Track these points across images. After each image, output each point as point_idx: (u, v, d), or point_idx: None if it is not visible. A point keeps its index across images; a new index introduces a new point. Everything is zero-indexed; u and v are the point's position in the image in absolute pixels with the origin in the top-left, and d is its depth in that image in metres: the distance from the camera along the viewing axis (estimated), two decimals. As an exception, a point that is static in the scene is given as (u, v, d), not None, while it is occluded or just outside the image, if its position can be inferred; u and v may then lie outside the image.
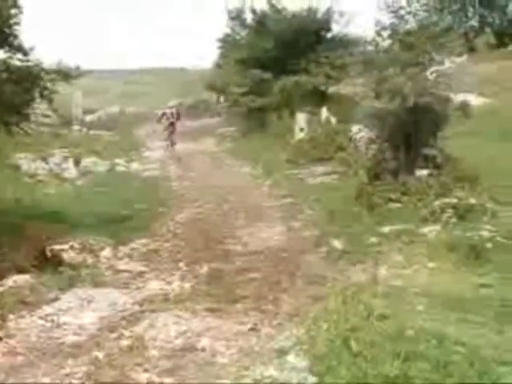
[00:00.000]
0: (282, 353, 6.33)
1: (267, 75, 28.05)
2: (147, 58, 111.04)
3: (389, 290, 8.30)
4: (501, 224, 11.03)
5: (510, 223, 11.10)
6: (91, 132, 30.73)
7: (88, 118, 34.23)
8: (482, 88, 22.87)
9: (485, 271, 9.24)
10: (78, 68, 13.43)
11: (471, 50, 32.81)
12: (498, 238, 10.26)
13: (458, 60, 24.06)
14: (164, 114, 27.40)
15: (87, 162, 21.27)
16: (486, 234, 10.49)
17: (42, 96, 12.67)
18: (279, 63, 27.88)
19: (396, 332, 6.35)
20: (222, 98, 34.74)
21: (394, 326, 6.50)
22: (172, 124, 27.11)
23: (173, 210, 15.13)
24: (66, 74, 12.88)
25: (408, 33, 14.39)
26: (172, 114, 27.25)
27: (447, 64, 14.66)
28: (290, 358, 6.09)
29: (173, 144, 27.09)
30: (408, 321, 6.76)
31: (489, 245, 10.01)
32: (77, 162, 20.95)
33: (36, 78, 12.35)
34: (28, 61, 12.41)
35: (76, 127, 30.99)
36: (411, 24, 15.30)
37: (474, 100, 21.21)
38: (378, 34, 15.17)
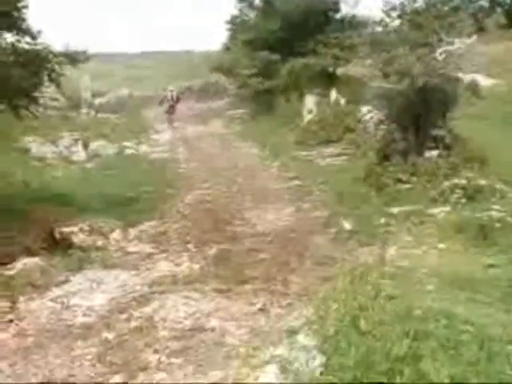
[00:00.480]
0: (292, 333, 6.34)
1: (275, 57, 27.89)
2: (152, 42, 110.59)
3: (397, 270, 8.31)
4: (510, 204, 11.00)
5: (519, 204, 11.07)
6: (99, 115, 30.71)
7: (97, 101, 34.20)
8: (491, 69, 22.72)
9: (493, 251, 9.25)
10: (85, 52, 13.39)
11: (481, 30, 32.56)
12: (508, 219, 10.23)
13: (468, 40, 23.87)
14: (165, 97, 29.92)
15: (96, 145, 21.26)
16: (495, 214, 10.46)
17: (50, 79, 12.66)
18: (287, 45, 27.71)
19: (405, 312, 6.35)
20: (230, 81, 34.59)
21: (403, 306, 6.49)
22: (172, 106, 29.77)
23: (181, 191, 15.14)
24: (73, 58, 12.85)
25: (416, 12, 14.24)
26: (172, 96, 29.70)
27: (457, 44, 14.51)
28: (299, 337, 6.10)
29: (171, 123, 29.29)
30: (417, 301, 6.76)
31: (498, 225, 9.99)
32: (85, 145, 20.95)
33: (44, 60, 12.34)
34: (36, 44, 12.39)
35: (84, 110, 30.96)
36: (420, 3, 15.18)
37: (483, 81, 21.09)
38: (387, 14, 15.04)
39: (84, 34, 69.15)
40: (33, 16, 12.35)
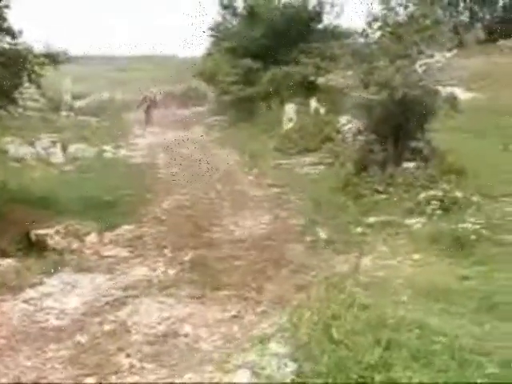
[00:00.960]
0: (264, 340, 6.35)
1: (257, 65, 27.98)
2: (138, 46, 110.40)
3: (372, 280, 8.37)
4: (485, 217, 11.10)
5: (494, 216, 11.17)
6: (80, 118, 30.58)
7: (77, 103, 34.07)
8: (471, 82, 22.92)
9: (468, 263, 9.32)
10: (65, 53, 13.34)
11: (461, 44, 32.80)
12: (482, 231, 10.32)
13: (448, 54, 24.03)
14: (144, 99, 32.15)
15: (75, 147, 21.18)
16: (470, 226, 10.54)
17: (30, 80, 12.59)
18: (269, 53, 27.79)
19: (378, 321, 6.39)
20: (211, 87, 34.60)
21: (376, 315, 6.54)
22: (149, 107, 32.03)
23: (159, 196, 15.11)
24: (53, 58, 12.80)
25: (398, 24, 14.35)
26: (151, 98, 32.33)
27: (437, 57, 14.63)
28: (272, 345, 6.11)
29: (148, 123, 31.49)
30: (390, 310, 6.80)
31: (473, 237, 10.08)
32: (64, 148, 20.86)
33: (24, 61, 12.28)
34: (16, 44, 12.33)
35: (64, 113, 30.83)
36: (402, 16, 15.23)
37: (463, 94, 21.25)
38: (369, 25, 15.11)
39: (74, 37, 68.92)
40: (15, 16, 12.31)
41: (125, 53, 53.30)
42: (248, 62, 28.14)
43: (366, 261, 9.48)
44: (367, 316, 6.50)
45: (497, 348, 6.04)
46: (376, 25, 14.91)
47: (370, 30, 15.08)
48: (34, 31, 13.52)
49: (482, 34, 35.59)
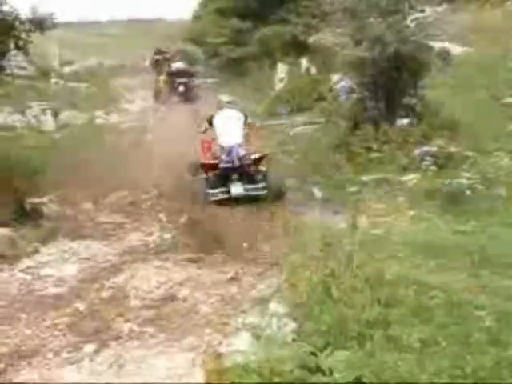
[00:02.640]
0: (263, 301, 6.37)
1: (246, 25, 27.68)
2: (123, 10, 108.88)
3: (369, 237, 8.36)
4: (479, 172, 11.11)
5: (488, 171, 11.17)
6: (69, 84, 30.26)
7: (66, 70, 33.68)
8: (461, 37, 22.73)
9: (464, 219, 9.34)
10: (52, 18, 13.08)
11: (451, -1, 32.53)
12: (477, 186, 10.33)
13: (438, 9, 23.86)
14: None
15: (66, 114, 20.99)
16: (465, 181, 10.56)
17: (17, 47, 12.40)
18: (258, 13, 27.47)
19: (376, 279, 6.41)
20: (201, 50, 34.22)
21: (374, 273, 6.55)
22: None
23: (153, 159, 14.93)
24: (40, 24, 12.58)
25: (388, -21, 14.22)
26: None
27: (427, 12, 14.50)
28: (271, 305, 6.13)
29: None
30: (388, 268, 6.82)
31: (468, 192, 10.09)
32: (55, 115, 20.67)
33: (11, 28, 12.08)
34: (1, 11, 12.12)
35: (53, 80, 30.50)
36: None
37: (454, 49, 21.09)
38: (359, -20, 14.95)
39: (59, 2, 67.79)
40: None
41: (111, 17, 52.64)
42: (237, 22, 27.83)
43: (363, 219, 9.46)
44: (365, 274, 6.51)
45: (493, 301, 6.07)
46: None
47: (359, -14, 14.91)
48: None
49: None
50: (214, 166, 11.32)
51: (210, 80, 30.73)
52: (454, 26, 22.39)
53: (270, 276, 7.44)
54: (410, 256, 7.61)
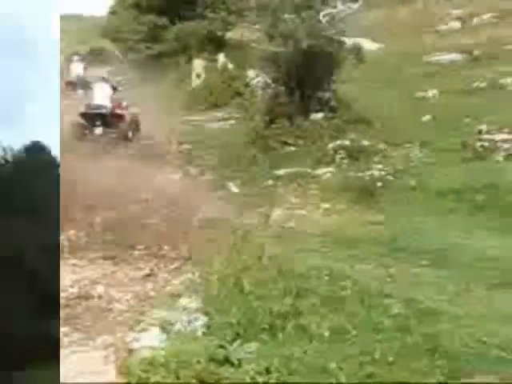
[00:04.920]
0: (175, 296, 6.33)
1: (162, 20, 27.44)
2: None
3: (283, 230, 8.44)
4: (391, 164, 11.36)
5: (399, 163, 11.44)
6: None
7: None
8: (375, 33, 23.15)
9: (375, 210, 9.53)
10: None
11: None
12: (389, 177, 10.55)
13: (353, 5, 24.19)
14: None
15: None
16: (376, 173, 10.77)
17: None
18: (175, 8, 27.27)
19: (288, 270, 6.45)
20: (117, 46, 33.62)
21: (286, 265, 6.60)
22: None
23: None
24: None
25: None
26: None
27: (340, 7, 14.68)
28: (183, 300, 6.10)
29: None
30: (300, 259, 6.89)
31: (379, 184, 10.29)
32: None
33: None
34: None
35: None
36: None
37: (367, 44, 21.42)
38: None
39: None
40: None
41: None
42: (153, 17, 27.56)
43: (277, 212, 9.53)
44: (277, 266, 6.55)
45: (401, 289, 6.21)
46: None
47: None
48: None
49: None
50: None
51: (126, 77, 30.37)
52: (367, 22, 22.79)
53: (185, 271, 7.39)
54: (323, 247, 7.71)
